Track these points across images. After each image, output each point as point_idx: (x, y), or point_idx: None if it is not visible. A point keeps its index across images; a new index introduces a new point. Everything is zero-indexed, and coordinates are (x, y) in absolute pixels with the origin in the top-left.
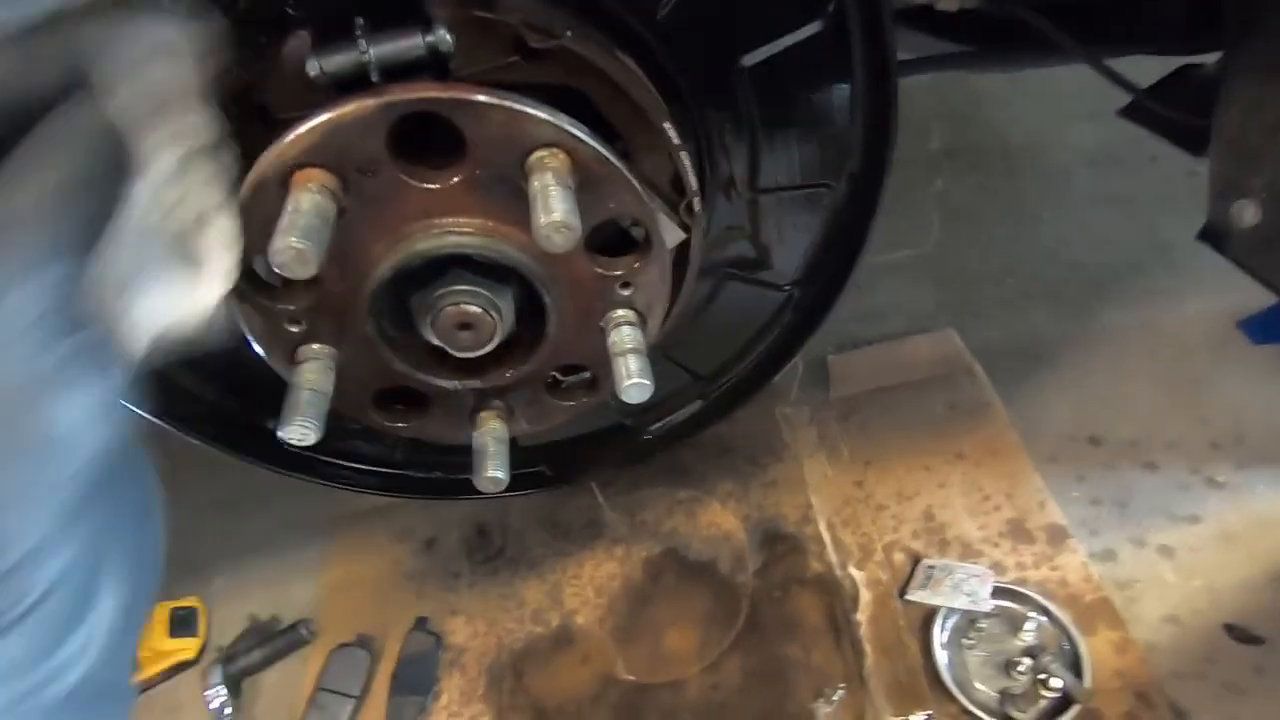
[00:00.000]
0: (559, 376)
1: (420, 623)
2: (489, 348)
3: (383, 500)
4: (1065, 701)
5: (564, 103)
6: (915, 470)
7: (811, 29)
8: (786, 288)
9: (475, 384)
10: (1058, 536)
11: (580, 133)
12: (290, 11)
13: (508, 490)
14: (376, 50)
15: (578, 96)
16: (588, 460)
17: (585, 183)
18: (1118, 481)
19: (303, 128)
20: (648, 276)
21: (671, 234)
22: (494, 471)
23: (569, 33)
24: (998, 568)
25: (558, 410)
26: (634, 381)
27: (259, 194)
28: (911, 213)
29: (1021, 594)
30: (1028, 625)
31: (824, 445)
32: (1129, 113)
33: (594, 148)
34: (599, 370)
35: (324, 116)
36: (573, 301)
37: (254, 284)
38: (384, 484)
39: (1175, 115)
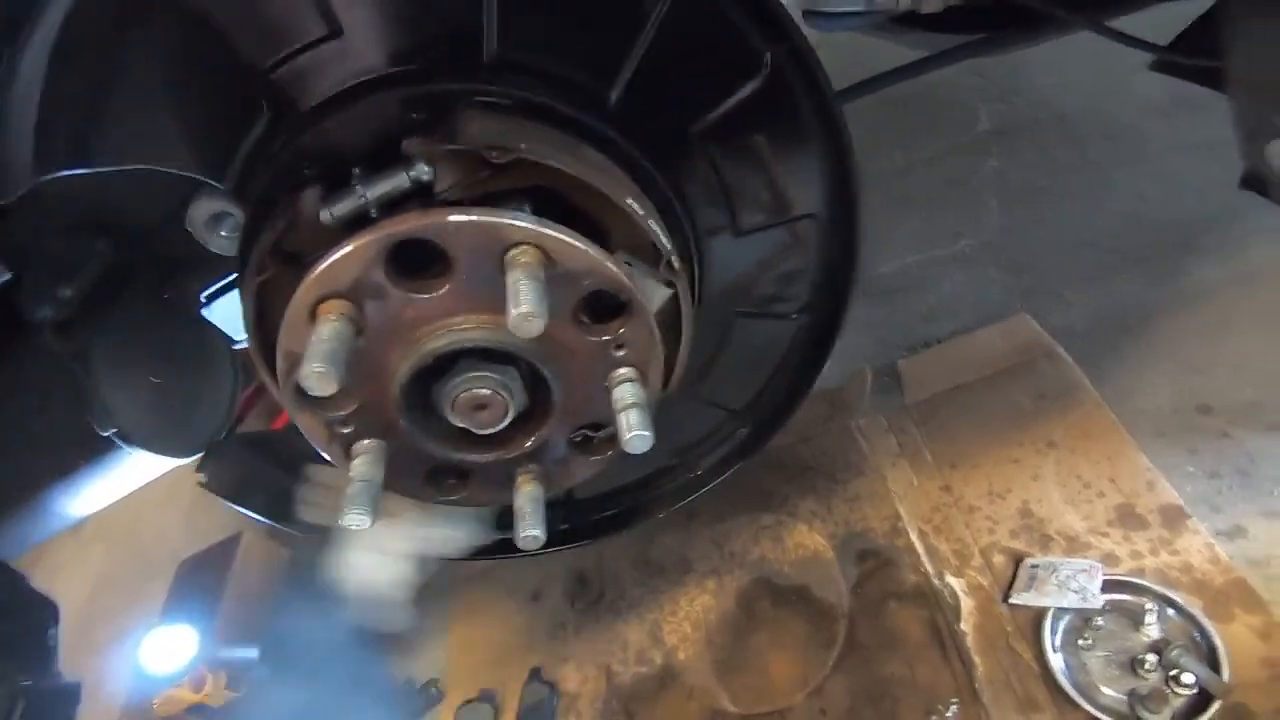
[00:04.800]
0: (589, 434)
1: (535, 673)
2: (506, 423)
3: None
4: (1204, 698)
5: (539, 198)
6: (1004, 465)
7: (752, 87)
8: (794, 317)
9: (503, 454)
10: (1174, 517)
11: (543, 227)
12: (306, 172)
13: (576, 543)
14: (372, 192)
15: (549, 192)
16: (645, 502)
17: (558, 268)
18: (1237, 450)
19: (318, 268)
20: (637, 335)
21: (657, 293)
22: (531, 530)
23: (523, 145)
24: (1109, 559)
25: (587, 465)
26: (635, 434)
27: (294, 326)
28: (967, 201)
29: (1137, 585)
30: (1149, 618)
31: (905, 453)
32: (1160, 67)
33: (558, 237)
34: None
35: (333, 256)
36: (573, 369)
37: (306, 399)
38: None
39: (1207, 63)
